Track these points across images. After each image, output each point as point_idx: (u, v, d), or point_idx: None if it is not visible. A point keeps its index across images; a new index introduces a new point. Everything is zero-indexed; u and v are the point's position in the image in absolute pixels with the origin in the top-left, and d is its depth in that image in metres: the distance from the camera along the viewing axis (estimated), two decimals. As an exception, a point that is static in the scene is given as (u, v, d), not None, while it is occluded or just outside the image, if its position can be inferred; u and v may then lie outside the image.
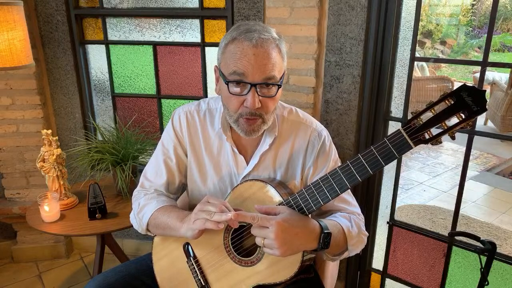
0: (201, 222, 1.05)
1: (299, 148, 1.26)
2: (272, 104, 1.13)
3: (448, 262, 1.90)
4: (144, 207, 1.28)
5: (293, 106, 1.32)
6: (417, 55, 1.75)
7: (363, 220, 1.26)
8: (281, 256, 1.01)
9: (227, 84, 1.09)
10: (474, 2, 11.84)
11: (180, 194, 1.44)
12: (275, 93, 1.10)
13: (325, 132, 1.29)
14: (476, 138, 1.72)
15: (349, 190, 1.24)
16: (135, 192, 1.36)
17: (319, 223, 1.08)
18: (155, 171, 1.33)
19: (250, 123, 1.12)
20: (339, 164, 1.07)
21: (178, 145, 1.30)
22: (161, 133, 1.35)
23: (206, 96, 2.32)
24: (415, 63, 2.05)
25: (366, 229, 1.25)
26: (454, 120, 0.88)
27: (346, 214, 1.22)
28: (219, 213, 1.03)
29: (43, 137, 1.87)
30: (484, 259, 1.36)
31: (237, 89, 1.09)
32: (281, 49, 1.10)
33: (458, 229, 1.86)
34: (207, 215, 1.04)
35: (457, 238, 1.86)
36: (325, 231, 1.06)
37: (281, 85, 1.11)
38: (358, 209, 1.28)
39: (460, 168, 1.76)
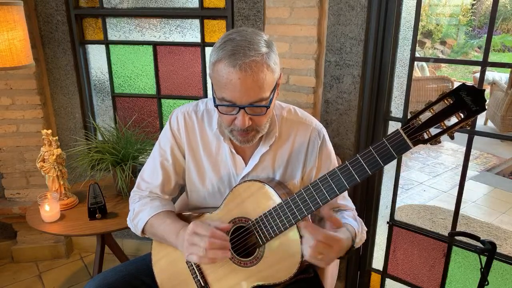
0: (195, 258, 1.05)
1: (299, 148, 1.26)
2: (265, 118, 1.13)
3: (448, 262, 1.90)
4: (139, 213, 1.28)
5: (291, 105, 1.32)
6: (417, 55, 1.75)
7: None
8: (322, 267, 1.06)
9: (217, 107, 1.09)
10: (474, 2, 11.83)
11: (177, 195, 1.44)
12: (265, 112, 1.09)
13: (323, 130, 1.31)
14: (476, 138, 1.72)
15: None
16: (131, 193, 1.36)
17: (352, 238, 1.14)
18: (151, 172, 1.32)
19: (244, 135, 1.13)
20: (337, 161, 1.07)
21: (176, 146, 1.29)
22: (161, 133, 1.35)
23: (206, 96, 2.32)
24: (415, 63, 2.05)
25: (366, 229, 1.29)
26: (453, 120, 0.88)
27: (351, 214, 1.27)
28: (212, 250, 1.02)
29: (43, 137, 1.87)
30: (484, 259, 1.36)
31: (227, 109, 1.09)
32: (269, 64, 1.04)
33: (458, 229, 1.85)
34: (200, 252, 1.03)
35: (457, 238, 1.86)
36: (353, 246, 1.13)
37: (269, 106, 1.09)
38: (351, 202, 1.35)
39: (460, 168, 1.76)
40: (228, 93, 1.04)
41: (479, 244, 1.39)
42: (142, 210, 1.27)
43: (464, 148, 1.73)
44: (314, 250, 1.01)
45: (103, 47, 2.32)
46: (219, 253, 1.02)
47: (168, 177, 1.31)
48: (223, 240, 1.04)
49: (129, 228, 1.64)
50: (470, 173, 4.32)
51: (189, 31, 2.22)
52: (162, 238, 1.23)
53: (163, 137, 1.32)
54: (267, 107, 1.08)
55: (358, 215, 1.31)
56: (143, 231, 1.28)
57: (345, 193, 1.32)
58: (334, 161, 1.32)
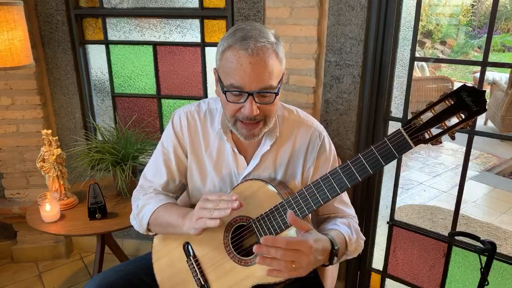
0: (202, 221, 1.06)
1: (299, 148, 1.26)
2: (273, 108, 1.13)
3: (448, 262, 1.90)
4: (144, 207, 1.28)
5: (293, 106, 1.33)
6: (417, 55, 1.75)
7: (357, 222, 1.29)
8: (301, 275, 0.99)
9: (225, 94, 1.09)
10: (474, 2, 11.83)
11: (180, 193, 1.44)
12: (273, 100, 1.10)
13: (324, 133, 1.31)
14: (476, 138, 1.72)
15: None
16: (134, 193, 1.37)
17: (329, 239, 1.08)
18: (154, 172, 1.33)
19: (250, 128, 1.12)
20: (338, 164, 1.07)
21: (178, 146, 1.30)
22: (161, 133, 1.35)
23: (206, 96, 2.32)
24: (415, 63, 2.05)
25: (366, 229, 1.27)
26: (454, 120, 0.89)
27: (345, 220, 1.24)
28: (218, 209, 1.04)
29: (43, 137, 1.87)
30: (484, 259, 1.36)
31: (234, 98, 1.09)
32: (278, 53, 1.08)
33: (458, 229, 1.85)
34: (208, 213, 1.05)
35: (457, 238, 1.86)
36: (335, 248, 1.07)
37: (278, 93, 1.09)
38: (353, 211, 1.31)
39: (460, 168, 1.76)
40: (237, 79, 1.04)
41: (479, 244, 1.39)
42: (147, 204, 1.28)
43: (464, 148, 1.73)
44: (284, 263, 0.94)
45: (103, 47, 2.32)
46: (222, 212, 1.03)
47: (171, 176, 1.32)
48: (230, 200, 1.04)
49: (129, 228, 1.65)
50: (470, 173, 4.33)
51: (189, 31, 2.22)
52: (166, 226, 1.22)
53: (165, 137, 1.32)
54: (276, 93, 1.09)
55: (358, 215, 1.31)
56: (147, 225, 1.27)
57: (346, 199, 1.31)
58: (334, 163, 1.31)
